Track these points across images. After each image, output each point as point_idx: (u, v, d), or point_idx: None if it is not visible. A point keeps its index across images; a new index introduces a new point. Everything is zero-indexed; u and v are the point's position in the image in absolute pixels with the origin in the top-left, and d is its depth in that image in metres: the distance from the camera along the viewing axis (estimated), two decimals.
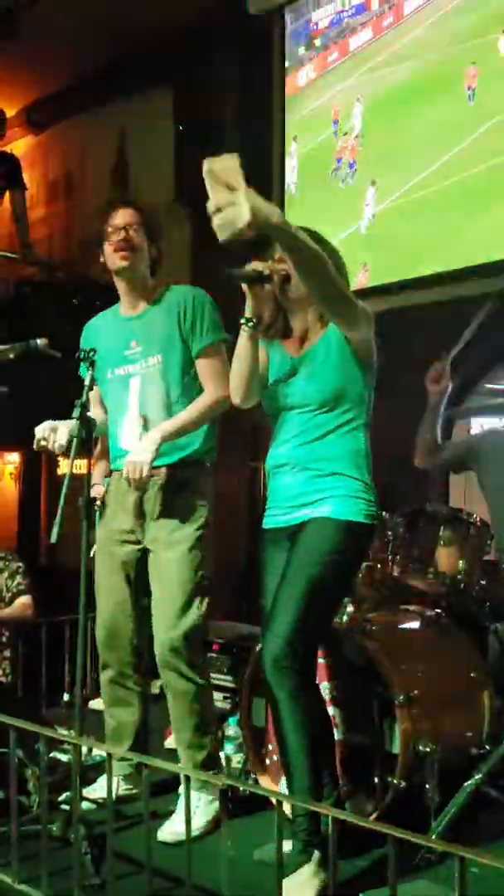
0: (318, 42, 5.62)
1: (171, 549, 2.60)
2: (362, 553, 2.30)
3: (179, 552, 2.59)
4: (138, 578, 2.70)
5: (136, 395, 2.68)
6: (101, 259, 2.71)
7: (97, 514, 2.94)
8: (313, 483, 2.25)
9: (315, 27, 5.67)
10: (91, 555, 2.90)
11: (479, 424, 5.00)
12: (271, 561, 2.33)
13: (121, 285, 2.74)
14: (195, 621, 2.58)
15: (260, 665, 2.75)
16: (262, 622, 2.34)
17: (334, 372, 2.26)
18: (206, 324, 2.65)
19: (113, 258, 2.66)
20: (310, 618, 2.16)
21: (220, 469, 2.78)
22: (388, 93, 5.13)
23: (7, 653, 3.73)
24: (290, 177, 5.53)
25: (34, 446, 2.60)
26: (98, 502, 2.98)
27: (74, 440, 2.45)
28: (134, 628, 2.72)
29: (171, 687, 2.61)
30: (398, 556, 2.92)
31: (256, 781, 2.74)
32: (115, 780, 2.14)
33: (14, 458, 6.94)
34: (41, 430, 2.57)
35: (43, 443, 2.56)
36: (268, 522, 2.37)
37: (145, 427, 2.64)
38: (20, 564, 3.86)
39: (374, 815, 2.38)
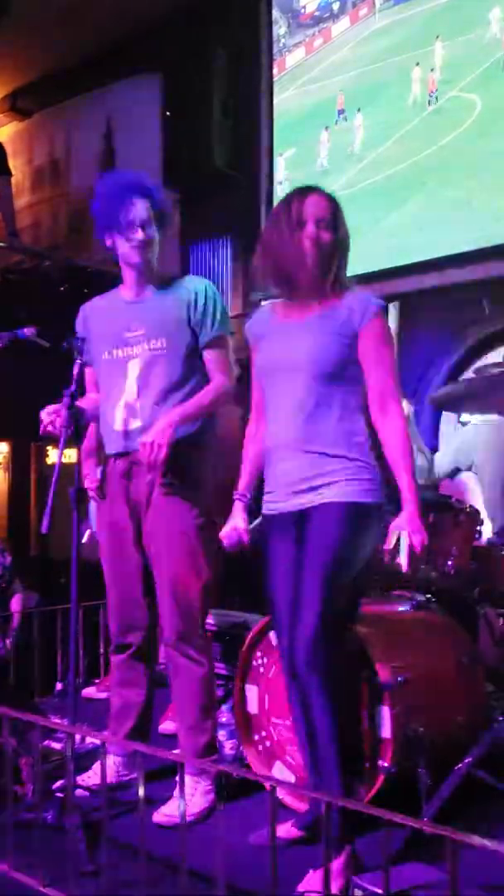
0: (305, 26, 5.74)
1: (173, 540, 2.60)
2: (374, 532, 2.25)
3: (183, 540, 2.59)
4: (143, 562, 2.70)
5: (136, 377, 2.65)
6: (109, 243, 2.68)
7: (92, 502, 2.93)
8: (315, 466, 2.20)
9: (303, 10, 5.73)
10: (83, 540, 2.89)
11: (467, 418, 5.01)
12: (277, 549, 2.29)
13: (130, 274, 2.72)
14: (201, 607, 2.61)
15: (250, 652, 2.78)
16: (273, 612, 2.32)
17: (338, 343, 2.22)
18: (217, 315, 2.66)
19: (130, 253, 2.64)
20: (333, 608, 2.14)
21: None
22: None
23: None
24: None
25: (41, 431, 2.57)
26: (94, 490, 2.97)
27: (63, 430, 2.45)
28: (146, 611, 2.73)
29: (178, 670, 2.63)
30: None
31: (249, 767, 2.76)
32: (111, 763, 2.15)
33: (3, 447, 6.92)
34: (46, 414, 2.55)
35: (50, 427, 2.53)
36: (268, 508, 2.32)
37: (135, 410, 2.62)
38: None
39: (365, 800, 2.40)
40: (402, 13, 5.27)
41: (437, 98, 5.10)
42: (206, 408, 2.63)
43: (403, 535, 2.17)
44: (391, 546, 2.18)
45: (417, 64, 5.15)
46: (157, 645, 2.92)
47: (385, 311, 2.26)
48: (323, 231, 2.23)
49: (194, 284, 2.68)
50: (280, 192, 5.61)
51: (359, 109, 5.33)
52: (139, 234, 2.62)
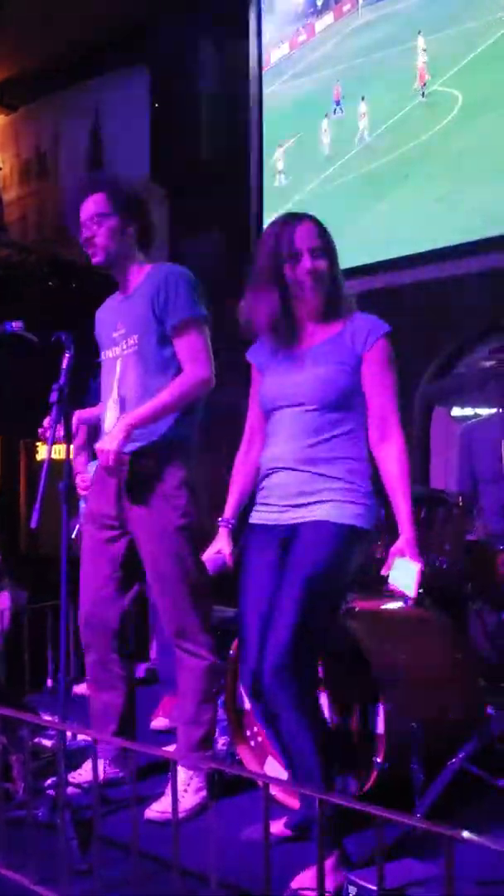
0: (289, 22, 5.80)
1: (155, 539, 2.57)
2: (360, 557, 2.23)
3: (164, 543, 2.56)
4: (123, 562, 2.68)
5: (118, 377, 2.64)
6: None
7: (82, 498, 2.90)
8: (312, 483, 2.18)
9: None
10: (73, 536, 2.87)
11: (460, 410, 5.03)
12: (256, 556, 2.26)
13: (112, 271, 2.71)
14: (196, 603, 2.58)
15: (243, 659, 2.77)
16: (240, 626, 2.27)
17: (342, 372, 2.20)
18: (181, 300, 2.56)
19: (88, 252, 2.64)
20: (309, 623, 2.10)
21: (204, 455, 2.74)
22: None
23: None
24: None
25: (39, 437, 2.57)
26: (84, 490, 2.93)
27: (52, 425, 2.43)
28: (116, 612, 2.70)
29: (180, 664, 2.63)
30: (381, 539, 2.92)
31: (241, 763, 2.75)
32: (100, 763, 2.13)
33: None
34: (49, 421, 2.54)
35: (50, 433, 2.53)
36: (258, 518, 2.29)
37: (122, 410, 2.61)
38: None
39: (359, 795, 2.39)
40: (385, 9, 5.31)
41: (424, 93, 5.14)
42: (172, 403, 2.54)
43: (403, 562, 2.13)
44: (388, 571, 2.15)
45: (424, 49, 5.13)
46: (136, 644, 2.89)
47: (390, 335, 2.22)
48: (318, 260, 2.19)
49: (159, 273, 2.62)
50: (279, 182, 5.59)
51: (363, 98, 5.34)
52: (83, 233, 2.61)
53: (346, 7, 5.49)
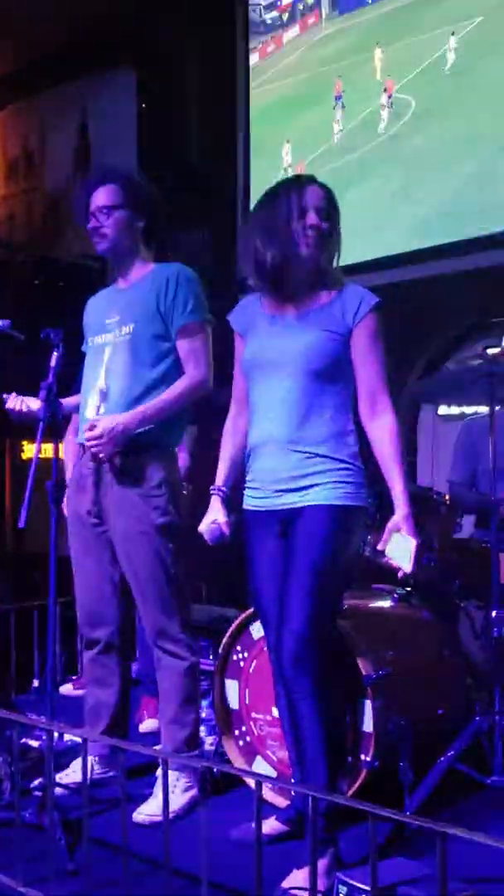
0: (259, 33, 6.04)
1: (135, 541, 2.55)
2: (361, 534, 2.25)
3: (143, 542, 2.55)
4: (113, 556, 2.66)
5: (106, 364, 2.61)
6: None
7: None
8: (302, 466, 2.16)
9: (279, 1, 5.86)
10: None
11: (446, 407, 5.05)
12: (259, 544, 2.26)
13: (112, 262, 2.71)
14: (177, 603, 2.57)
15: (229, 646, 2.76)
16: (259, 608, 2.31)
17: (330, 340, 2.18)
18: (190, 302, 2.58)
19: (93, 241, 2.64)
20: (322, 609, 2.12)
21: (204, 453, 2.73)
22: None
23: None
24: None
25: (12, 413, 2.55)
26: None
27: (41, 423, 2.41)
28: (115, 606, 2.69)
29: (159, 665, 2.61)
30: (369, 536, 2.92)
31: (230, 762, 2.74)
32: (88, 762, 2.11)
33: None
34: (12, 400, 2.54)
35: (24, 407, 2.54)
36: (252, 503, 2.27)
37: (105, 398, 2.58)
38: None
39: (349, 794, 2.39)
40: (346, 22, 5.62)
41: (392, 103, 5.32)
42: (172, 403, 2.55)
43: (400, 536, 2.14)
44: (385, 546, 2.16)
45: (381, 59, 5.25)
46: (134, 641, 2.89)
47: (380, 307, 2.21)
48: (323, 220, 2.19)
49: (168, 270, 2.63)
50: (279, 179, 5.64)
51: (385, 89, 5.46)
52: (91, 222, 2.60)
53: (311, 20, 5.83)
